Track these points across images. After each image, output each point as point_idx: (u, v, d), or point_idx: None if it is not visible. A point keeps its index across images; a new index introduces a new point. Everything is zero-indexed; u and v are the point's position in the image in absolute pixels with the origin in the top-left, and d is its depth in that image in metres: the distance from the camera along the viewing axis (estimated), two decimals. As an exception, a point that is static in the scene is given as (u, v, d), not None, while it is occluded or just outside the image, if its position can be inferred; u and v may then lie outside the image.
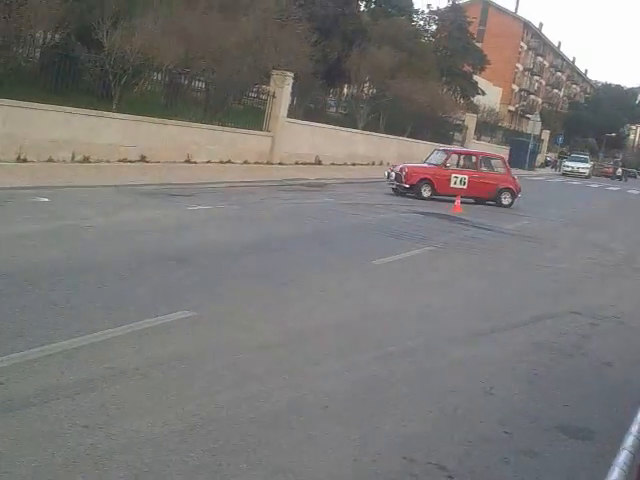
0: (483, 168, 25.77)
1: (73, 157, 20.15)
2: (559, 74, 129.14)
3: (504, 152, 59.42)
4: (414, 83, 41.49)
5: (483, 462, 5.19)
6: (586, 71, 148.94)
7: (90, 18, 22.14)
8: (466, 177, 24.66)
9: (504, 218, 21.62)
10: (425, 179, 24.34)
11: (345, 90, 50.29)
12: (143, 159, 22.76)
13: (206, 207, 15.79)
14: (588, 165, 64.16)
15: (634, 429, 3.86)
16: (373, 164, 37.27)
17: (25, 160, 18.57)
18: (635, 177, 77.84)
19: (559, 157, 75.36)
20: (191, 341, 6.88)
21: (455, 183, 24.47)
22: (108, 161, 21.19)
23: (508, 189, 25.48)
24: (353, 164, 35.92)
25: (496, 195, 25.15)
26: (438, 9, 66.12)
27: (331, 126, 35.66)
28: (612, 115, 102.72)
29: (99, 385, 5.55)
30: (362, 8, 50.18)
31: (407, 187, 24.17)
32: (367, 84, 44.48)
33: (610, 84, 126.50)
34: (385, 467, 4.89)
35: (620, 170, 73.72)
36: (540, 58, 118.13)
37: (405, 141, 41.67)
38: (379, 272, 11.50)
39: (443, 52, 59.64)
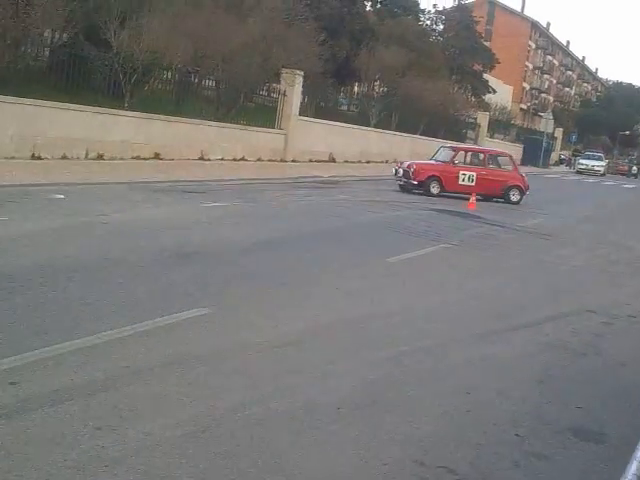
0: (491, 165, 25.72)
1: (87, 154, 20.23)
2: (569, 73, 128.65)
3: (518, 150, 59.54)
4: (424, 81, 41.50)
5: (494, 465, 5.16)
6: (596, 70, 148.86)
7: (97, 18, 22.23)
8: (474, 174, 24.60)
9: (519, 215, 21.55)
10: (434, 176, 24.29)
11: (356, 88, 50.23)
12: (157, 156, 22.84)
13: (221, 204, 15.82)
14: (603, 163, 63.83)
15: None
16: (387, 162, 37.23)
17: (39, 157, 18.67)
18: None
19: (573, 155, 74.99)
20: (205, 339, 6.88)
21: (463, 180, 24.44)
22: (122, 158, 21.27)
23: (516, 186, 25.39)
24: (367, 162, 35.94)
25: (504, 192, 25.08)
26: (444, 9, 66.26)
27: (344, 124, 35.67)
28: (624, 113, 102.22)
29: (113, 385, 5.56)
30: (368, 8, 50.13)
31: (415, 184, 24.09)
32: (377, 82, 44.41)
33: (621, 82, 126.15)
34: (395, 470, 4.87)
35: (635, 168, 73.30)
36: (549, 57, 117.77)
37: (418, 139, 41.63)
38: (393, 270, 11.49)
39: (452, 51, 59.48)
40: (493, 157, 26.64)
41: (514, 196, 25.23)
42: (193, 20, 24.62)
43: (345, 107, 46.95)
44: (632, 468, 3.46)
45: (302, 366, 6.54)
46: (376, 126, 38.86)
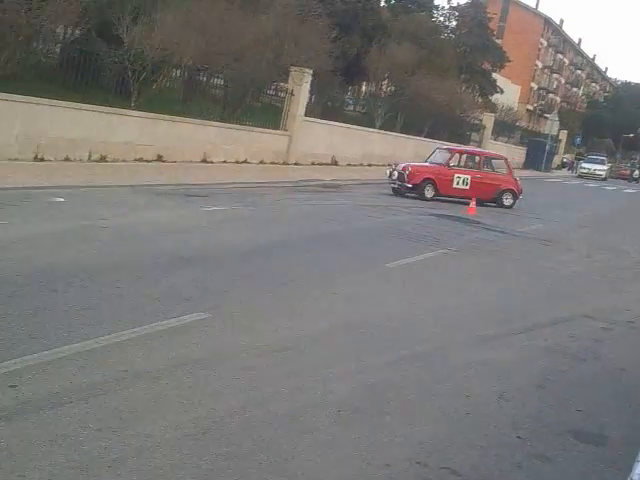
0: (485, 168, 25.30)
1: (90, 156, 20.23)
2: (579, 72, 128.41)
3: (521, 153, 59.46)
4: (433, 80, 41.29)
5: (496, 467, 5.20)
6: (606, 69, 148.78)
7: (110, 13, 22.18)
8: (469, 177, 24.21)
9: (518, 221, 21.54)
10: (428, 179, 23.77)
11: (363, 88, 50.19)
12: (159, 158, 22.83)
13: (222, 208, 15.83)
14: (605, 167, 63.64)
15: None
16: (389, 165, 37.21)
17: (42, 159, 18.66)
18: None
19: (576, 158, 74.90)
20: (205, 343, 6.90)
21: (458, 183, 24.04)
22: (124, 160, 21.27)
23: (510, 190, 25.07)
24: (369, 164, 35.90)
25: (497, 196, 24.72)
26: (459, 5, 65.63)
27: (348, 125, 35.59)
28: (631, 114, 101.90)
29: (112, 388, 5.58)
30: (382, 3, 50.00)
31: (409, 187, 23.52)
32: (386, 81, 44.30)
33: (630, 82, 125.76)
34: (398, 472, 4.91)
35: (637, 172, 73.13)
36: (560, 55, 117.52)
37: (422, 141, 41.54)
38: (393, 275, 11.49)
39: (463, 49, 59.26)
40: (488, 160, 26.19)
41: (507, 200, 24.89)
42: (206, 16, 24.49)
43: (351, 107, 46.86)
44: (638, 468, 3.47)
45: (302, 370, 6.57)
46: (381, 127, 38.76)
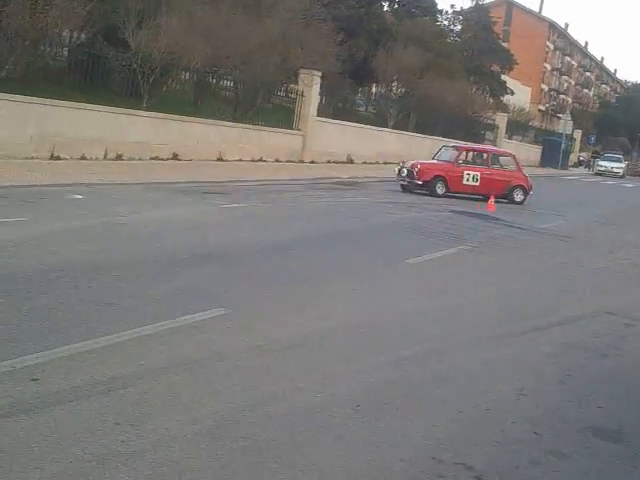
0: (494, 165, 25.34)
1: (105, 155, 20.33)
2: (588, 74, 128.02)
3: (536, 151, 59.33)
4: (442, 82, 41.34)
5: (512, 463, 5.15)
6: (615, 71, 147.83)
7: (115, 18, 22.34)
8: (478, 174, 24.25)
9: (538, 217, 21.48)
10: (439, 176, 23.90)
11: (373, 89, 50.18)
12: (175, 157, 22.92)
13: (239, 205, 15.86)
14: (622, 165, 63.33)
15: None
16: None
17: (58, 158, 18.78)
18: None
19: (592, 156, 74.54)
20: (222, 339, 6.91)
21: (468, 180, 24.10)
22: (140, 159, 21.36)
23: (520, 186, 25.11)
24: (385, 163, 35.86)
25: (508, 192, 24.71)
26: (462, 9, 65.92)
27: (362, 125, 35.65)
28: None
29: (131, 382, 5.59)
30: (385, 8, 50.06)
31: (420, 184, 23.61)
32: (395, 83, 44.35)
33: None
34: (414, 467, 4.88)
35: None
36: (568, 58, 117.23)
37: (438, 140, 41.47)
38: (413, 271, 11.48)
39: (470, 52, 59.24)
40: (496, 157, 26.30)
41: (518, 196, 24.91)
42: (211, 20, 24.66)
43: (363, 108, 46.94)
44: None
45: (320, 365, 6.56)
46: (394, 127, 38.82)
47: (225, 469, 4.54)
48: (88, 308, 7.21)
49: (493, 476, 4.92)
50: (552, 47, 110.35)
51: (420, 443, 5.25)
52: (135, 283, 8.43)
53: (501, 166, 25.91)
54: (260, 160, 27.09)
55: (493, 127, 52.83)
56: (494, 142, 50.37)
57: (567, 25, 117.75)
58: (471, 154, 26.13)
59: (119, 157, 20.73)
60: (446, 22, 62.41)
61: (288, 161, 28.76)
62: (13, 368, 5.57)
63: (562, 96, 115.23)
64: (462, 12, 64.78)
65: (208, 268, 9.72)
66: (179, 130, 23.16)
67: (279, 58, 27.59)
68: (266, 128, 27.91)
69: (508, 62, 65.78)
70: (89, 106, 19.87)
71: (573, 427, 5.90)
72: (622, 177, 60.22)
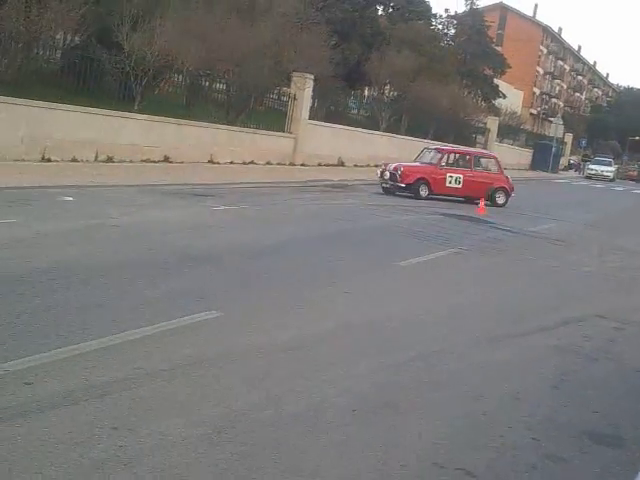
0: (477, 167, 25.33)
1: (97, 157, 20.28)
2: (580, 78, 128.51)
3: (527, 155, 59.51)
4: (435, 86, 41.44)
5: (511, 468, 5.15)
6: (607, 75, 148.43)
7: (109, 20, 22.31)
8: (461, 176, 24.28)
9: (528, 220, 21.50)
10: (422, 179, 23.81)
11: (366, 92, 50.24)
12: (166, 159, 22.88)
13: (230, 207, 15.82)
14: (612, 168, 63.58)
15: None
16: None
17: (49, 160, 18.72)
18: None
19: (583, 160, 74.78)
20: (216, 342, 6.88)
21: (450, 182, 24.11)
22: (131, 161, 21.31)
23: (502, 188, 25.06)
24: (376, 165, 35.79)
25: (490, 195, 24.58)
26: (456, 13, 66.00)
27: (353, 128, 35.65)
28: (635, 118, 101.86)
29: (127, 386, 5.55)
30: (380, 12, 50.15)
31: (403, 186, 23.52)
32: (388, 87, 44.44)
33: (632, 88, 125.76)
34: (413, 472, 4.87)
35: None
36: (560, 62, 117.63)
37: (429, 143, 41.51)
38: (405, 274, 11.48)
39: (463, 56, 59.38)
40: (478, 159, 26.26)
41: (499, 198, 24.83)
42: (205, 24, 24.66)
43: (355, 111, 46.99)
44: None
45: (315, 368, 6.53)
46: (386, 130, 38.84)
47: (224, 474, 4.52)
48: (81, 310, 7.16)
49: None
50: (545, 51, 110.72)
51: (419, 448, 5.23)
52: (128, 285, 8.39)
53: (483, 168, 25.89)
54: (251, 163, 27.08)
55: (484, 130, 52.97)
56: (485, 145, 50.48)
57: (561, 29, 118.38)
58: (453, 156, 26.12)
59: (110, 159, 20.67)
60: (440, 26, 62.54)
61: (279, 164, 28.75)
62: (5, 372, 5.51)
63: (554, 100, 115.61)
64: (456, 16, 64.84)
65: (200, 270, 9.68)
66: (171, 133, 23.13)
67: (272, 61, 27.61)
68: (258, 131, 27.93)
69: (501, 66, 65.96)
70: (81, 108, 19.82)
71: (569, 431, 5.90)
72: (612, 180, 60.47)
